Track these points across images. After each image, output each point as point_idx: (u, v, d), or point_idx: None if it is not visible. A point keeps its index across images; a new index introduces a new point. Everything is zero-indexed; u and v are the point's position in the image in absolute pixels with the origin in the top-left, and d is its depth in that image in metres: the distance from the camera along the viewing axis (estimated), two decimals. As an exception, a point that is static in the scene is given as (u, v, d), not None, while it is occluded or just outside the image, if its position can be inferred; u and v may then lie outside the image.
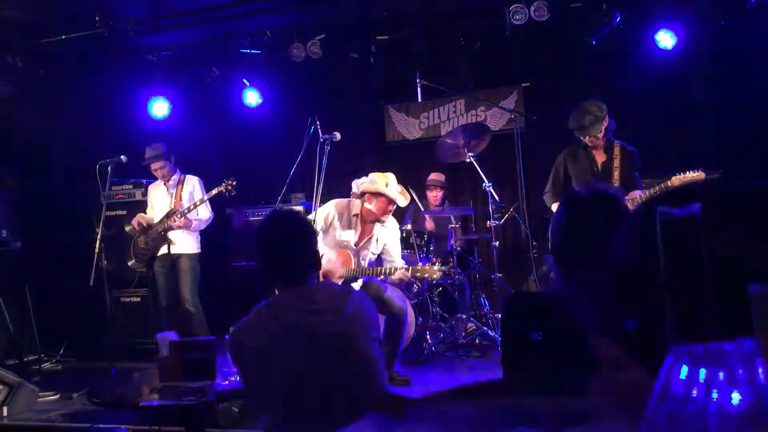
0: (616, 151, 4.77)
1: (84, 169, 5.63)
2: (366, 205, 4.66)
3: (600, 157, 4.84)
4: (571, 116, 4.86)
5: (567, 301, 1.46)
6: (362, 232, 4.72)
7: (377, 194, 4.61)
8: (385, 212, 4.65)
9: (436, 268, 4.53)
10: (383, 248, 4.81)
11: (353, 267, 4.57)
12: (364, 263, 4.69)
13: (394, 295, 4.56)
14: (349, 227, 4.70)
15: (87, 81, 6.68)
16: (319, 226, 4.63)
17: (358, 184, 4.75)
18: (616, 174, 4.72)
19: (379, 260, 4.87)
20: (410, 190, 5.19)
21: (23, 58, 6.20)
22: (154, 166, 5.70)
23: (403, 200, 4.69)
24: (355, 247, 4.70)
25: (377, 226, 4.73)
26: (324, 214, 4.69)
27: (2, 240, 6.16)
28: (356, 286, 4.62)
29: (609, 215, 1.55)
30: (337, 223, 4.69)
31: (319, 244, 4.60)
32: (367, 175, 4.79)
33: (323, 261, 4.49)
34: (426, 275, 4.54)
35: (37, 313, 6.39)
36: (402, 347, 4.70)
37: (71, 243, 6.65)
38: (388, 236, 4.81)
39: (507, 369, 1.79)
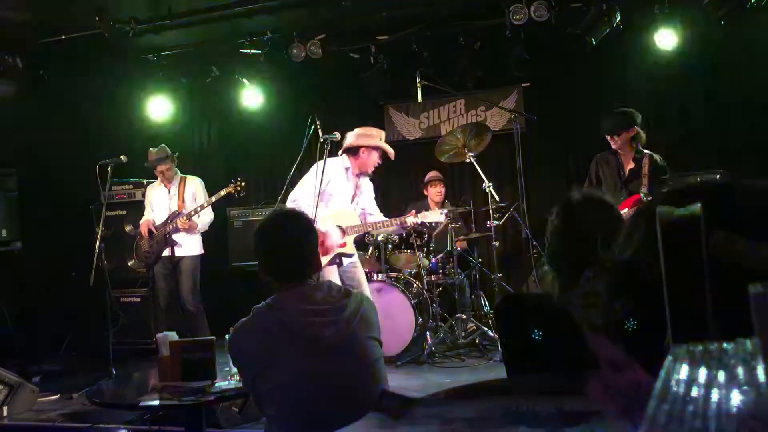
0: (645, 160, 4.92)
1: (84, 169, 5.63)
2: (362, 156, 4.78)
3: (628, 164, 4.99)
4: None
5: (562, 301, 1.46)
6: (354, 188, 4.83)
7: (374, 147, 4.75)
8: (376, 165, 4.80)
9: (439, 212, 4.79)
10: (365, 204, 4.96)
11: (359, 222, 4.74)
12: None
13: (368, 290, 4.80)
14: (344, 183, 4.80)
15: (87, 81, 6.68)
16: (317, 188, 4.64)
17: (348, 136, 4.84)
18: (645, 180, 4.86)
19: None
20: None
21: (23, 58, 6.20)
22: (160, 167, 5.69)
23: (393, 153, 4.86)
24: (351, 204, 4.80)
25: (362, 181, 4.86)
26: (319, 172, 4.69)
27: (2, 240, 6.16)
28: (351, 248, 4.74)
29: (602, 219, 1.57)
30: (334, 180, 4.76)
31: (320, 206, 4.66)
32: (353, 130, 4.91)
33: (332, 222, 4.64)
34: (435, 220, 4.77)
35: (37, 313, 6.40)
36: None
37: (71, 243, 6.65)
38: (367, 191, 4.97)
39: (507, 370, 1.79)
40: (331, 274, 4.63)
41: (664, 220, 0.64)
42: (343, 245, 4.64)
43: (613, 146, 4.99)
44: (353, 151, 4.81)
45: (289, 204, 4.71)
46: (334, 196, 4.74)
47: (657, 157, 4.95)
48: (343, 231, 4.66)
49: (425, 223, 4.83)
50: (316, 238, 2.42)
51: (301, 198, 4.65)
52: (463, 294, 6.03)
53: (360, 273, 4.80)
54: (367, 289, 4.80)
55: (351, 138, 4.82)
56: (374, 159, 4.77)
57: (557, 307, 1.47)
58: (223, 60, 6.57)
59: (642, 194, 4.79)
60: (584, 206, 1.66)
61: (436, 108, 7.26)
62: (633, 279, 0.83)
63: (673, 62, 5.97)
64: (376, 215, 4.95)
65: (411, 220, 4.72)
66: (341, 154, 4.87)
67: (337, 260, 4.70)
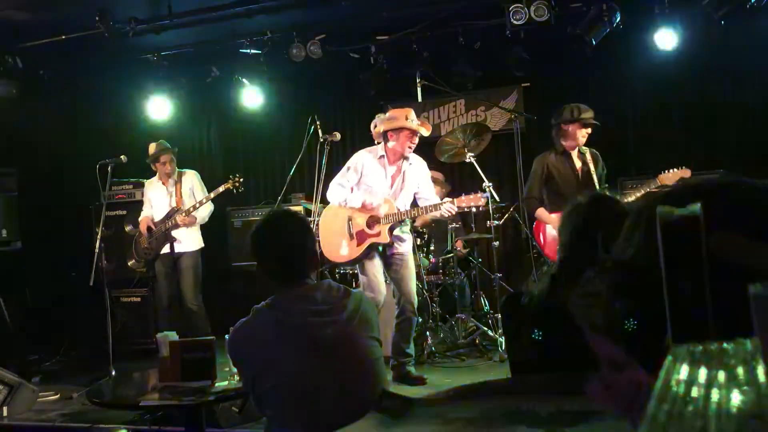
0: (588, 155, 4.91)
1: (84, 169, 5.63)
2: (389, 143, 4.65)
3: (578, 163, 4.95)
4: (570, 110, 4.89)
5: (566, 301, 1.46)
6: (393, 174, 4.71)
7: (399, 129, 4.59)
8: (408, 145, 4.61)
9: (479, 195, 4.53)
10: (417, 188, 4.79)
11: (395, 210, 4.59)
12: (403, 208, 4.69)
13: (413, 289, 4.67)
14: (378, 171, 4.69)
15: (87, 81, 6.68)
16: (353, 179, 4.67)
17: (377, 124, 4.73)
18: (595, 177, 4.85)
19: (414, 203, 4.85)
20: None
21: (23, 58, 6.19)
22: (163, 159, 5.68)
23: (425, 130, 4.66)
24: (389, 191, 4.68)
25: (405, 165, 4.71)
26: (353, 162, 4.70)
27: (2, 240, 6.16)
28: (402, 233, 4.68)
29: (610, 218, 1.57)
30: (367, 171, 4.68)
31: (357, 194, 4.67)
32: (385, 113, 4.80)
33: (368, 207, 4.59)
34: (472, 204, 4.54)
35: (37, 313, 6.39)
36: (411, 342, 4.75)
37: (71, 243, 6.65)
38: (418, 175, 4.78)
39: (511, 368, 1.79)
40: (372, 267, 4.60)
41: (664, 220, 0.64)
42: (377, 234, 4.56)
43: (580, 141, 4.86)
44: (385, 138, 4.69)
45: (332, 187, 4.70)
46: (372, 186, 4.67)
47: (595, 150, 4.97)
48: (378, 220, 4.59)
49: (463, 207, 4.64)
50: (314, 237, 2.42)
51: (338, 185, 4.68)
52: (463, 294, 6.03)
53: (405, 269, 4.66)
54: (411, 283, 4.66)
55: (378, 125, 4.71)
56: (404, 140, 4.58)
57: (558, 306, 1.47)
58: (223, 60, 6.57)
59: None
60: (592, 205, 1.66)
61: (436, 108, 7.26)
62: (633, 279, 0.83)
63: (673, 62, 5.97)
64: (431, 200, 4.76)
65: (447, 207, 4.52)
66: (378, 143, 4.78)
67: (377, 249, 4.63)
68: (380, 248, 4.65)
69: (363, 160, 4.69)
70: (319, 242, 4.49)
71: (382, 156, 4.68)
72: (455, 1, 6.01)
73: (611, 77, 6.49)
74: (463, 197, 4.56)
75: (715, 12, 5.34)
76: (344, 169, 4.73)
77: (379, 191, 4.66)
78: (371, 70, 6.40)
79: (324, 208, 4.97)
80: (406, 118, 4.59)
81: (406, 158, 4.69)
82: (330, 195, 4.72)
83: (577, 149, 4.93)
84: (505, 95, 6.94)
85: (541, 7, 5.44)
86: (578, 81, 6.54)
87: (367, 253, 4.60)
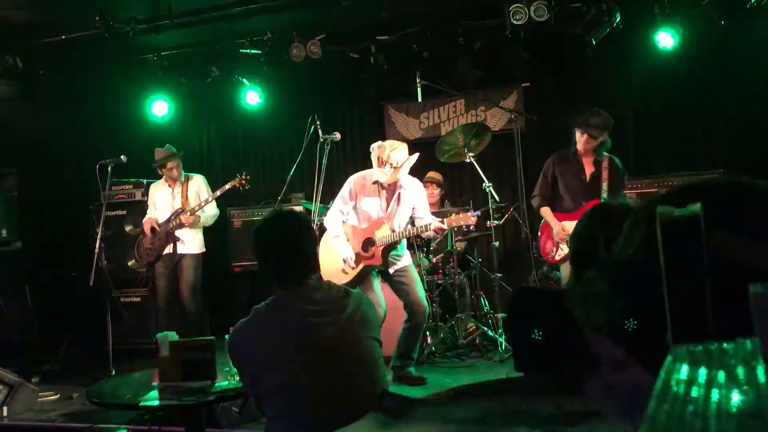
0: (605, 163, 4.78)
1: (84, 169, 5.63)
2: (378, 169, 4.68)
3: (589, 168, 4.84)
4: (580, 114, 4.82)
5: (570, 299, 1.46)
6: (387, 198, 4.70)
7: (381, 162, 4.60)
8: (392, 178, 4.60)
9: (469, 214, 4.57)
10: (413, 210, 4.77)
11: (389, 232, 4.59)
12: (398, 228, 4.68)
13: (422, 295, 4.65)
14: (373, 195, 4.69)
15: (87, 81, 6.68)
16: (349, 204, 4.69)
17: (375, 149, 4.71)
18: (605, 185, 4.73)
19: (412, 222, 4.84)
20: None
21: (23, 58, 6.19)
22: (170, 164, 5.69)
23: (403, 155, 4.58)
24: (384, 214, 4.68)
25: (400, 188, 4.70)
26: (347, 190, 4.71)
27: (2, 240, 6.16)
28: (401, 252, 4.71)
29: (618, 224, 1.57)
30: (360, 195, 4.69)
31: (351, 219, 4.70)
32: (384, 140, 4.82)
33: (360, 236, 4.59)
34: (462, 223, 4.55)
35: (37, 313, 6.39)
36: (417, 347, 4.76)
37: (71, 243, 6.65)
38: (414, 197, 4.77)
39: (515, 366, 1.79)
40: (369, 283, 4.62)
41: (664, 220, 0.64)
42: (371, 257, 4.59)
43: (586, 146, 4.74)
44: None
45: (329, 214, 4.75)
46: (368, 211, 4.69)
47: (617, 160, 4.84)
48: (373, 243, 4.61)
49: (455, 227, 4.67)
50: (314, 238, 2.42)
51: (335, 212, 4.71)
52: (463, 294, 6.03)
53: (408, 278, 4.66)
54: (418, 290, 4.64)
55: (376, 149, 4.69)
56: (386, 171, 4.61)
57: (561, 305, 1.47)
58: (223, 60, 6.57)
59: (602, 200, 4.62)
60: (615, 210, 1.66)
61: (436, 108, 7.26)
62: (633, 279, 0.83)
63: (673, 62, 5.97)
64: (426, 218, 4.73)
65: (436, 225, 4.53)
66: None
67: (374, 271, 4.66)
68: (375, 272, 4.67)
69: (358, 184, 4.70)
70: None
71: (376, 181, 4.67)
72: (455, 1, 6.01)
73: (611, 77, 6.48)
74: (453, 216, 4.60)
75: (715, 12, 5.35)
76: (340, 194, 4.74)
77: (372, 214, 4.68)
78: (371, 70, 6.40)
79: (323, 208, 4.99)
80: (389, 149, 4.55)
81: (399, 185, 4.71)
82: (326, 222, 4.75)
83: (593, 155, 4.80)
84: (505, 95, 6.94)
85: (541, 7, 5.44)
86: (578, 81, 6.54)
87: (362, 276, 4.63)
